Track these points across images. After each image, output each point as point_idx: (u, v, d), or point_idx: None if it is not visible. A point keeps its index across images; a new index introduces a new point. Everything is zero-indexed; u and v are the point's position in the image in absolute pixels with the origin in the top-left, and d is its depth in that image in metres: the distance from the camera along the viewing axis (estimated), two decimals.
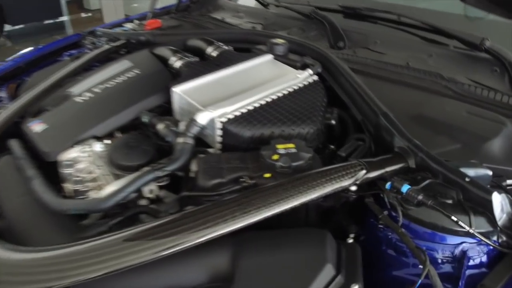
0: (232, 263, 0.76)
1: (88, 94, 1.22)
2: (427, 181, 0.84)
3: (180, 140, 1.00)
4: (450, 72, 1.25)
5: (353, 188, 0.88)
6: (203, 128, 1.02)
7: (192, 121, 1.01)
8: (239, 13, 1.98)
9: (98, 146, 1.06)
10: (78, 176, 0.98)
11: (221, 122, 1.02)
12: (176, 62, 1.33)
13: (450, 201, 0.80)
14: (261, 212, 0.77)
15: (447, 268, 0.78)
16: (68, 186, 1.00)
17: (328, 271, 0.72)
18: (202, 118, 1.02)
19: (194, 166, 0.96)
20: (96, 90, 1.24)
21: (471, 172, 0.82)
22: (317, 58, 1.31)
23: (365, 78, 1.21)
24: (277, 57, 1.37)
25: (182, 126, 1.08)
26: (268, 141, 0.97)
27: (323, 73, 1.28)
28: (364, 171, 0.86)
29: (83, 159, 1.02)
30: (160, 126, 1.08)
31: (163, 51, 1.43)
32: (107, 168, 1.01)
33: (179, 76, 1.26)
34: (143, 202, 1.00)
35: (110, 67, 1.38)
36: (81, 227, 0.92)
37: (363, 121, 1.10)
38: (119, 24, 2.05)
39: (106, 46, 1.64)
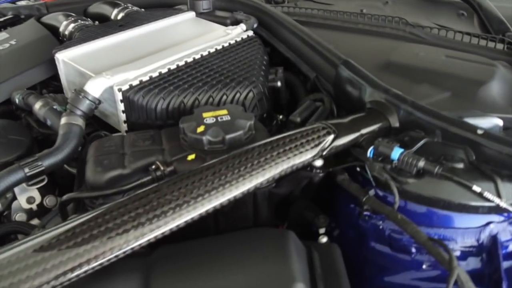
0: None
1: None
2: (422, 141, 0.58)
3: (64, 121, 0.68)
4: (411, 19, 1.02)
5: (318, 163, 0.61)
6: (95, 102, 0.70)
7: (79, 93, 0.69)
8: None
9: None
10: None
11: (121, 90, 0.71)
12: (68, 27, 1.00)
13: (460, 165, 0.54)
14: (181, 213, 0.48)
15: (473, 264, 0.52)
16: None
17: None
18: (94, 87, 0.70)
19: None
20: None
21: (482, 122, 0.57)
22: (252, 13, 1.03)
23: (312, 30, 0.94)
24: (201, 15, 1.07)
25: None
26: (185, 114, 0.69)
27: (259, 30, 1.00)
28: (331, 136, 0.58)
29: None
30: (37, 105, 0.75)
31: (52, 17, 1.09)
32: None
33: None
34: (20, 216, 0.68)
35: None
36: None
37: (317, 78, 0.83)
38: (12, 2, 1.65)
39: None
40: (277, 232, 0.54)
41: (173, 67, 0.78)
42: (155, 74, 0.75)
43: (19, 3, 1.63)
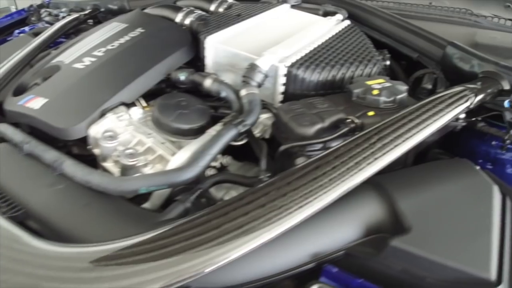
0: (388, 210, 0.62)
1: (89, 59, 0.98)
2: None
3: (245, 91, 0.83)
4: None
5: (462, 115, 0.79)
6: (266, 75, 0.86)
7: (253, 68, 0.84)
8: None
9: (137, 112, 0.84)
10: (128, 149, 0.75)
11: (286, 66, 0.86)
12: (186, 19, 1.13)
13: None
14: (398, 148, 0.64)
15: None
16: (111, 165, 0.78)
17: (497, 193, 0.63)
18: (264, 63, 0.85)
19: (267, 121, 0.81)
20: (98, 54, 0.99)
21: None
22: (339, 6, 1.21)
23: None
24: (292, 7, 1.24)
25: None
26: (334, 85, 0.85)
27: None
28: (473, 95, 0.77)
29: (123, 129, 0.80)
30: (209, 81, 0.89)
31: (161, 10, 1.21)
32: (159, 135, 0.80)
33: (196, 32, 1.07)
34: (210, 171, 0.82)
35: (98, 31, 1.13)
36: (149, 213, 0.71)
37: (420, 58, 1.02)
38: None
39: (73, 16, 1.36)
40: (459, 160, 0.72)
41: (311, 48, 0.94)
42: (303, 54, 0.91)
43: None
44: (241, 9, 1.16)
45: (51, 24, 1.48)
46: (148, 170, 0.76)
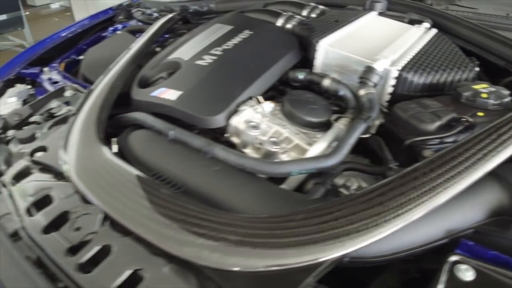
0: (508, 195, 0.74)
1: (209, 57, 1.11)
2: None
3: (364, 91, 0.95)
4: None
5: None
6: (381, 76, 0.97)
7: (371, 70, 0.96)
8: None
9: (269, 106, 0.96)
10: (272, 138, 0.88)
11: (398, 70, 0.98)
12: (288, 23, 1.25)
13: None
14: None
15: None
16: (250, 151, 0.90)
17: None
18: (380, 66, 0.97)
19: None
20: (216, 52, 1.12)
21: None
22: (422, 14, 1.32)
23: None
24: (379, 14, 1.35)
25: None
26: (437, 87, 0.97)
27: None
28: None
29: (260, 121, 0.93)
30: (327, 81, 1.01)
31: (261, 15, 1.33)
32: (292, 127, 0.92)
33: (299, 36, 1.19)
34: None
35: (204, 32, 1.26)
36: (296, 193, 0.83)
37: (507, 65, 1.12)
38: None
39: (168, 16, 1.49)
40: None
41: (414, 53, 1.06)
42: (410, 58, 1.02)
43: None
44: (337, 16, 1.28)
45: (145, 23, 1.62)
46: (285, 157, 0.88)
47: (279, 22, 1.27)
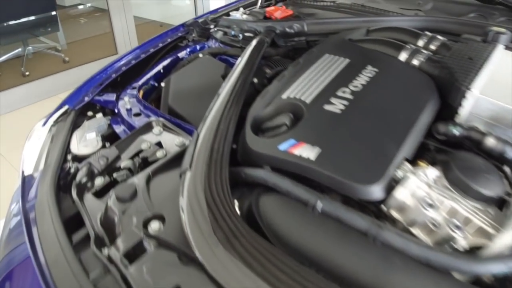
0: None
1: (339, 101, 0.94)
2: None
3: None
4: None
5: None
6: None
7: None
8: None
9: (433, 173, 0.79)
10: (454, 220, 0.71)
11: None
12: (414, 59, 1.08)
13: None
14: None
15: None
16: (417, 231, 0.74)
17: None
18: None
19: None
20: (345, 95, 0.96)
21: None
22: None
23: None
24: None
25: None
26: None
27: None
28: None
29: (428, 193, 0.76)
30: (491, 140, 0.84)
31: (378, 46, 1.17)
32: (464, 201, 0.75)
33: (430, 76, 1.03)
34: None
35: (315, 65, 1.09)
36: None
37: None
38: (226, 13, 1.71)
39: (257, 39, 1.33)
40: None
41: None
42: None
43: (234, 14, 1.70)
44: (466, 51, 1.10)
45: (227, 45, 1.46)
46: (464, 243, 0.71)
47: (402, 57, 1.10)
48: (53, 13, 3.99)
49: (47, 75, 3.90)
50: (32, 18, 3.93)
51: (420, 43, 1.19)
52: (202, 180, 0.80)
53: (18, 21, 3.86)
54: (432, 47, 1.18)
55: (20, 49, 4.17)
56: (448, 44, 1.16)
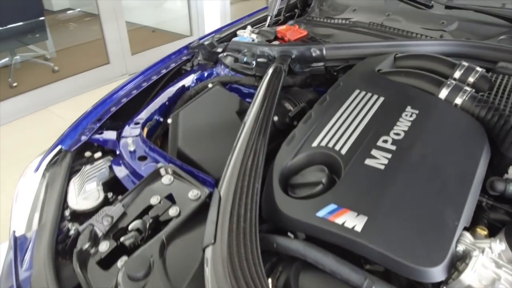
0: None
1: (381, 154, 0.82)
2: None
3: None
4: None
5: None
6: None
7: None
8: (388, 15, 1.61)
9: (499, 247, 0.68)
10: None
11: None
12: (457, 97, 0.96)
13: None
14: None
15: None
16: None
17: None
18: None
19: None
20: (387, 146, 0.84)
21: None
22: None
23: None
24: None
25: None
26: None
27: None
28: None
29: (496, 273, 0.64)
30: None
31: (412, 79, 1.04)
32: None
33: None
34: None
35: (346, 104, 0.97)
36: None
37: None
38: (232, 32, 1.57)
39: (275, 67, 1.20)
40: None
41: None
42: None
43: (241, 33, 1.56)
44: (505, 85, 0.99)
45: (238, 72, 1.33)
46: None
47: (442, 94, 0.98)
48: (41, 18, 3.81)
49: (36, 87, 3.71)
50: (20, 23, 3.75)
51: (457, 74, 1.07)
52: (229, 257, 0.68)
53: (4, 27, 3.68)
54: (471, 79, 1.05)
55: (7, 59, 3.97)
56: (488, 76, 1.05)
